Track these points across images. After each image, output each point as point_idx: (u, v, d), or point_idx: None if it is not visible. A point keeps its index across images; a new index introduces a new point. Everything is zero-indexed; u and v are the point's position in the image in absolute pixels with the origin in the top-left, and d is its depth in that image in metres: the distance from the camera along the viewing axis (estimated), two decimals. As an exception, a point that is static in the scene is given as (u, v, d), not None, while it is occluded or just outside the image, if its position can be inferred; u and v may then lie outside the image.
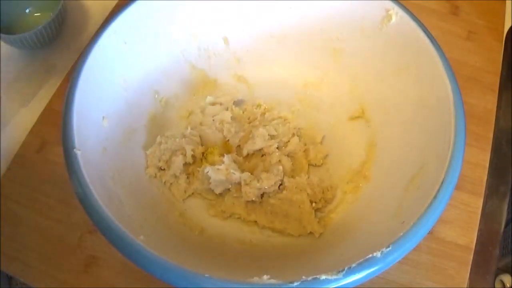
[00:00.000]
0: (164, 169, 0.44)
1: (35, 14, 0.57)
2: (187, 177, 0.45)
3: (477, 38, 0.58)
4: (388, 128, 0.45)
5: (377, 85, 0.46)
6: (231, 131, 0.47)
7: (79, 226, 0.44)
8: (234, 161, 0.44)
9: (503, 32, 0.59)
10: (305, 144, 0.47)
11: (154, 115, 0.47)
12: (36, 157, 0.48)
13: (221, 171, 0.42)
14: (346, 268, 0.30)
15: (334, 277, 0.29)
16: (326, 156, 0.47)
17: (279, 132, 0.47)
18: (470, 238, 0.45)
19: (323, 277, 0.29)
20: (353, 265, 0.30)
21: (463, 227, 0.46)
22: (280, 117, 0.49)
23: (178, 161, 0.44)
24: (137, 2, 0.43)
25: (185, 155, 0.44)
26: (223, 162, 0.43)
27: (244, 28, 0.49)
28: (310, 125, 0.49)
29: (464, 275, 0.44)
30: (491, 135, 0.51)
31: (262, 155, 0.46)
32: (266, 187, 0.42)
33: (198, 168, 0.44)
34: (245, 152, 0.46)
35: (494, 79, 0.55)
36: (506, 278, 0.49)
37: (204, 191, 0.44)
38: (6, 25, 0.53)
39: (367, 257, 0.30)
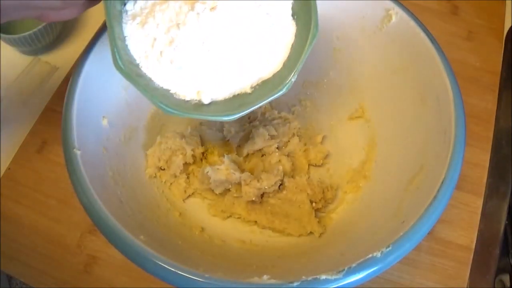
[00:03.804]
0: (164, 169, 0.44)
1: (35, 14, 0.57)
2: (187, 177, 0.45)
3: (477, 38, 0.58)
4: (388, 128, 0.45)
5: (377, 85, 0.46)
6: (231, 131, 0.47)
7: (79, 226, 0.44)
8: (234, 161, 0.44)
9: (503, 32, 0.59)
10: (305, 144, 0.47)
11: (154, 115, 0.47)
12: (36, 157, 0.48)
13: (221, 171, 0.42)
14: (346, 268, 0.30)
15: (334, 277, 0.29)
16: (326, 156, 0.47)
17: (279, 132, 0.47)
18: (470, 238, 0.45)
19: (323, 277, 0.29)
20: (353, 265, 0.30)
21: (463, 227, 0.46)
22: (280, 117, 0.49)
23: (178, 161, 0.44)
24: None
25: (185, 155, 0.44)
26: (223, 162, 0.43)
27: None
28: (310, 125, 0.49)
29: (464, 275, 0.44)
30: (491, 135, 0.51)
31: (262, 155, 0.46)
32: (266, 187, 0.42)
33: (198, 168, 0.44)
34: (245, 152, 0.46)
35: (494, 79, 0.55)
36: (506, 278, 0.49)
37: (204, 191, 0.44)
38: (6, 25, 0.53)
39: (367, 257, 0.30)
